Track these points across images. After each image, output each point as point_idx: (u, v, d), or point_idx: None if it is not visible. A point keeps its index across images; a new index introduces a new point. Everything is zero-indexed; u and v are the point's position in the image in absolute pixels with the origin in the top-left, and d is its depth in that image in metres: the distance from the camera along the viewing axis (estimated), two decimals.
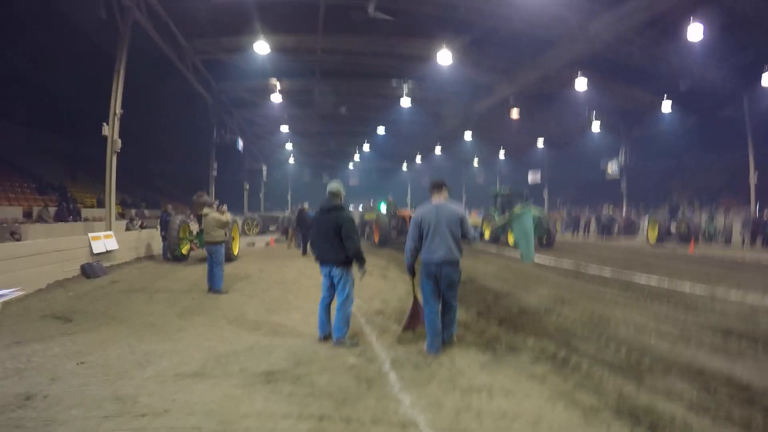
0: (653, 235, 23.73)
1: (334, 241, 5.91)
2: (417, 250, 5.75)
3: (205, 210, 10.51)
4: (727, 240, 22.51)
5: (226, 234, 10.28)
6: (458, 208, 5.85)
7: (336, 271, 6.00)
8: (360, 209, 34.08)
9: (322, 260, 6.09)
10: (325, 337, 6.12)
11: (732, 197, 33.59)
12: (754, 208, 26.10)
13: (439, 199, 5.83)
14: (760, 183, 27.00)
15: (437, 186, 5.89)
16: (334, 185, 6.26)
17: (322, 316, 6.18)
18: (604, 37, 18.94)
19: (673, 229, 23.80)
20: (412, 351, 5.72)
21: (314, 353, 5.64)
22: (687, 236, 22.79)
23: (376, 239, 21.90)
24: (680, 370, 5.17)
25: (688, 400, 4.39)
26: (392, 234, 21.47)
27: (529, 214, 5.14)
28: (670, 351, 5.77)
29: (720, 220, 24.67)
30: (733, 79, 24.46)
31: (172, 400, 4.21)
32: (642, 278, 11.72)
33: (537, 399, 4.38)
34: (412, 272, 6.06)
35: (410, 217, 19.03)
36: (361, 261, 6.05)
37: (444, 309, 5.81)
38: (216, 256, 9.74)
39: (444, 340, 5.74)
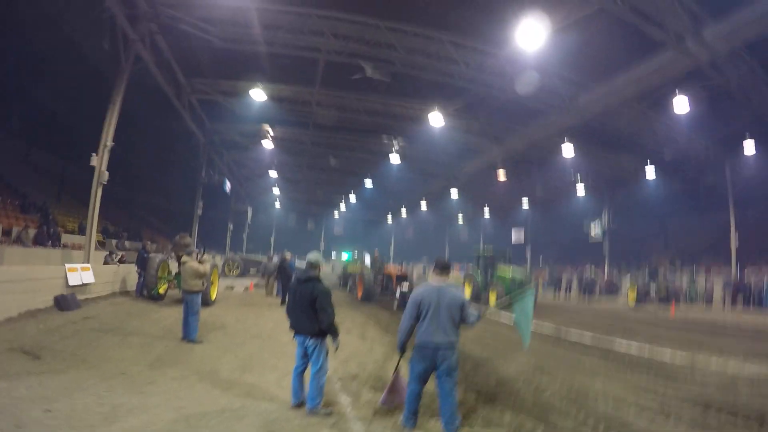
0: (632, 296, 24.07)
1: (309, 313, 5.85)
2: (412, 329, 5.50)
3: (184, 258, 10.28)
4: (708, 301, 22.76)
5: (203, 284, 10.00)
6: (460, 293, 5.59)
7: (310, 342, 5.91)
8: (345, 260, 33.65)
9: (297, 330, 6.02)
10: (299, 404, 5.97)
11: (713, 259, 34.05)
12: (734, 269, 26.55)
13: (442, 280, 5.59)
14: (741, 246, 27.56)
15: (443, 267, 5.66)
16: (313, 256, 6.25)
17: (296, 383, 6.05)
18: (592, 109, 19.60)
19: (652, 292, 24.14)
20: (387, 425, 5.59)
21: (287, 421, 5.47)
22: (666, 298, 23.13)
23: (359, 294, 20.72)
24: None
25: None
26: (376, 290, 20.72)
27: (531, 296, 4.97)
28: (648, 428, 5.75)
29: (701, 282, 25.00)
30: (715, 147, 25.44)
31: None
32: (622, 345, 11.70)
33: None
34: (402, 350, 5.76)
35: (396, 275, 19.64)
36: (335, 334, 5.99)
37: (442, 400, 5.36)
38: (191, 306, 9.49)
39: None
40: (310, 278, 6.00)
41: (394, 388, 5.90)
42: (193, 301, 9.51)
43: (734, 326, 15.83)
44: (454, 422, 5.31)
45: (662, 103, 19.42)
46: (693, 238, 39.75)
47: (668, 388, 7.58)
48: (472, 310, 5.50)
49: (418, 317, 5.40)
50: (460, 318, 5.40)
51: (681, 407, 6.54)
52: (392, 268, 22.38)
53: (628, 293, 25.11)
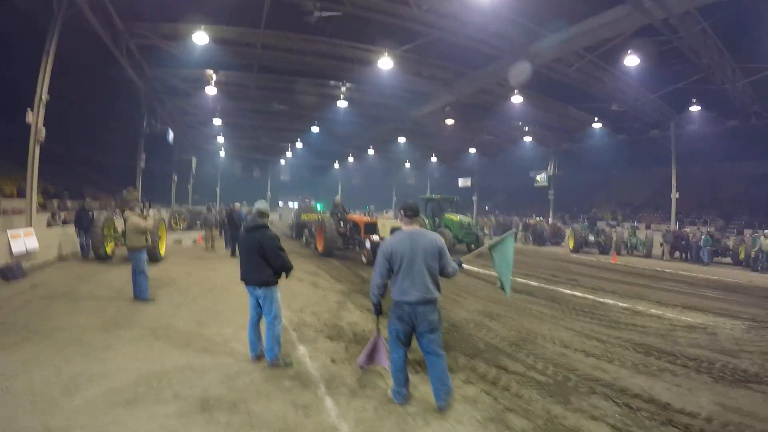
0: (571, 244, 25.18)
1: (257, 261, 5.85)
2: (385, 286, 4.95)
3: (127, 213, 9.85)
4: (648, 253, 23.83)
5: (147, 240, 9.56)
6: (436, 236, 4.96)
7: (259, 292, 5.93)
8: (296, 205, 32.65)
9: (247, 280, 6.01)
10: (257, 356, 6.03)
11: (653, 212, 35.70)
12: (674, 223, 27.92)
13: (412, 226, 4.96)
14: (680, 201, 29.01)
15: (411, 211, 4.98)
16: (261, 204, 6.21)
17: (252, 335, 6.09)
18: (544, 57, 19.64)
19: (591, 239, 25.19)
20: (346, 372, 5.73)
21: (248, 375, 5.52)
22: (605, 247, 24.22)
23: (321, 247, 18.61)
24: (604, 388, 5.49)
25: (612, 420, 4.67)
26: (338, 242, 18.31)
27: (510, 242, 4.75)
28: (593, 372, 6.06)
29: (642, 233, 26.12)
30: (662, 103, 26.30)
31: None
32: (567, 290, 12.32)
33: (469, 424, 4.53)
34: (379, 311, 5.13)
35: (365, 223, 17.50)
36: (288, 270, 6.09)
37: (428, 361, 4.92)
38: (137, 263, 9.17)
39: (440, 404, 4.80)
40: (258, 226, 5.99)
41: (374, 349, 5.51)
42: (137, 258, 9.19)
43: (672, 276, 16.63)
44: (445, 386, 4.83)
45: (613, 56, 19.88)
46: (635, 190, 41.50)
47: (611, 334, 8.01)
48: (451, 260, 4.95)
49: (390, 272, 4.84)
50: (438, 269, 4.84)
51: (623, 353, 6.94)
52: (358, 217, 19.67)
53: (569, 240, 26.13)
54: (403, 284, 4.73)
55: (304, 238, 23.17)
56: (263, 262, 5.85)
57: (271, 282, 5.93)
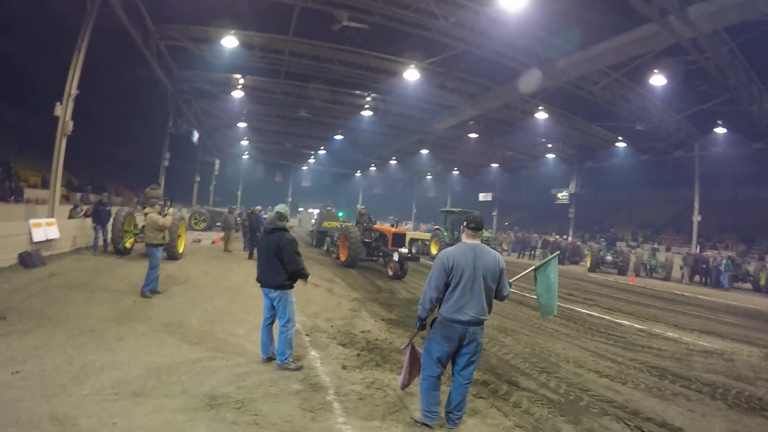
0: (589, 262, 24.93)
1: (274, 263, 5.89)
2: (439, 301, 4.48)
3: (147, 209, 9.91)
4: (667, 275, 23.48)
5: (164, 237, 9.72)
6: (499, 255, 4.64)
7: (275, 294, 5.95)
8: (316, 213, 31.47)
9: (262, 282, 6.04)
10: (269, 357, 6.03)
11: (674, 234, 35.19)
12: (695, 246, 27.48)
13: (475, 240, 4.62)
14: (703, 223, 28.54)
15: (476, 224, 4.64)
16: (281, 207, 6.26)
17: (264, 337, 6.10)
18: (569, 74, 19.57)
19: (609, 259, 24.91)
20: (356, 379, 5.68)
21: (258, 376, 5.50)
22: (622, 267, 23.91)
23: (343, 257, 17.42)
24: (616, 410, 5.36)
25: None
26: (362, 253, 17.09)
27: (554, 264, 4.54)
28: (606, 392, 5.94)
29: (661, 255, 25.75)
30: (687, 124, 25.92)
31: (113, 424, 4.02)
32: (583, 309, 12.14)
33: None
34: (423, 326, 4.73)
35: (393, 234, 16.63)
36: (304, 277, 6.10)
37: (456, 384, 4.60)
38: (151, 259, 9.28)
39: (450, 426, 4.56)
40: (277, 228, 6.02)
41: (412, 367, 5.15)
42: (152, 254, 9.29)
43: (691, 300, 16.42)
44: (460, 412, 4.61)
45: (639, 74, 19.79)
46: (657, 212, 40.99)
47: (626, 356, 7.86)
48: (507, 282, 4.70)
49: (447, 286, 4.41)
50: (495, 290, 4.54)
51: (638, 375, 6.80)
52: (386, 227, 18.54)
53: (587, 259, 25.87)
54: (459, 301, 4.35)
55: (325, 247, 22.30)
56: (280, 265, 5.88)
57: (286, 285, 5.95)
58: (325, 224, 24.32)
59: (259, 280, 6.08)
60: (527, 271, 5.41)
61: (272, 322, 6.12)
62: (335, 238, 19.70)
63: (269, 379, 5.45)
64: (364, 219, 18.21)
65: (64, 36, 16.50)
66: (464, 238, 4.66)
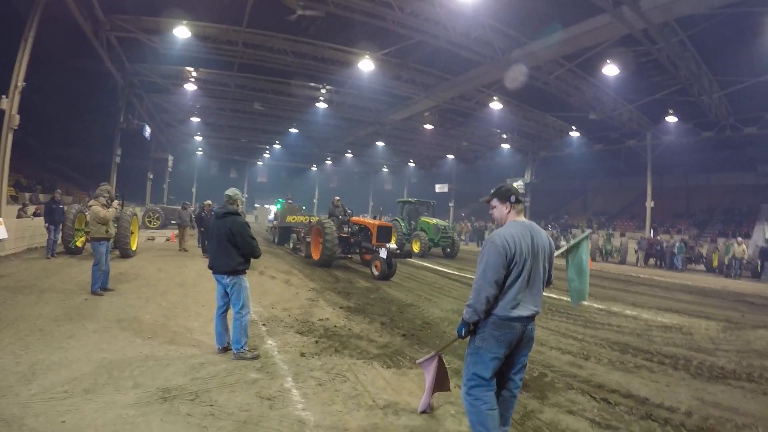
0: None
1: (226, 248, 5.75)
2: (495, 299, 3.44)
3: (91, 202, 9.50)
4: (623, 259, 24.12)
5: (107, 231, 9.17)
6: (548, 235, 3.82)
7: (227, 280, 5.82)
8: (273, 209, 30.12)
9: (215, 269, 5.88)
10: (224, 348, 5.89)
11: (627, 221, 36.26)
12: (649, 231, 28.36)
13: (521, 217, 3.72)
14: (656, 210, 29.51)
15: (516, 197, 3.71)
16: (231, 190, 6.11)
17: (219, 326, 5.95)
18: (524, 63, 19.76)
19: (563, 244, 25.48)
20: (315, 365, 5.59)
21: (213, 366, 5.37)
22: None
23: (316, 255, 15.63)
24: (581, 384, 5.45)
25: (591, 414, 4.61)
26: (339, 249, 15.21)
27: (586, 245, 3.94)
28: (569, 368, 6.03)
29: (617, 240, 26.48)
30: (639, 115, 26.77)
31: (62, 422, 3.84)
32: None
33: (443, 416, 4.42)
34: (467, 334, 3.60)
35: (378, 227, 14.73)
36: (257, 256, 6.02)
37: (505, 396, 3.67)
38: (94, 254, 8.90)
39: None
40: (229, 213, 5.88)
41: (439, 377, 4.41)
42: (95, 249, 8.91)
43: (647, 281, 16.92)
44: (507, 427, 3.76)
45: (592, 65, 20.20)
46: (611, 200, 42.18)
47: (587, 333, 8.03)
48: None
49: (505, 279, 3.44)
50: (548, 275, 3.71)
51: (599, 351, 6.94)
52: (369, 220, 16.34)
53: None
54: (519, 295, 3.44)
55: (291, 244, 20.64)
56: (232, 250, 5.74)
57: (239, 270, 5.81)
58: (289, 219, 22.77)
59: (211, 266, 5.93)
60: (560, 251, 4.71)
61: (226, 311, 5.97)
62: (302, 234, 18.23)
63: (225, 369, 5.31)
64: (338, 211, 16.32)
65: (10, 25, 15.86)
66: (512, 216, 3.67)
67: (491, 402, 3.46)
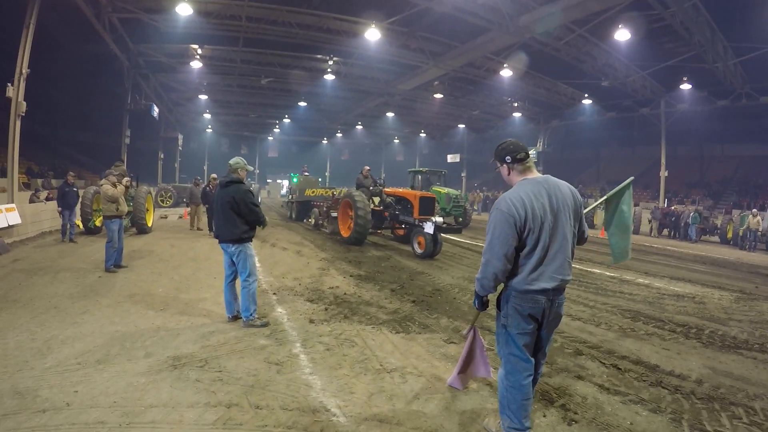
0: None
1: (230, 217, 5.78)
2: (509, 272, 3.07)
3: (102, 181, 9.54)
4: (636, 229, 23.92)
5: (118, 209, 9.19)
6: (570, 186, 3.30)
7: (233, 249, 5.85)
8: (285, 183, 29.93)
9: (220, 237, 5.94)
10: (234, 316, 5.95)
11: (641, 191, 35.90)
12: (662, 201, 28.03)
13: (534, 173, 3.27)
14: (669, 179, 29.06)
15: (525, 153, 3.30)
16: (234, 159, 6.07)
17: (228, 295, 6.00)
18: (533, 30, 19.37)
19: None
20: (323, 331, 5.63)
21: (223, 334, 5.43)
22: (591, 222, 24.24)
23: (345, 232, 14.14)
24: (590, 350, 5.42)
25: (599, 380, 4.59)
26: (369, 225, 13.47)
27: (629, 193, 4.20)
28: (579, 334, 6.01)
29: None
30: (652, 83, 26.22)
31: (74, 392, 3.90)
32: None
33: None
34: (484, 306, 3.37)
35: (420, 199, 13.24)
36: (263, 224, 6.04)
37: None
38: (107, 233, 8.95)
39: None
40: (233, 181, 5.89)
41: (470, 356, 4.10)
42: (107, 227, 8.99)
43: (660, 251, 16.76)
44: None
45: (604, 30, 19.66)
46: (624, 168, 41.63)
47: (598, 300, 7.98)
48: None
49: (520, 248, 3.04)
50: (578, 234, 3.26)
51: (611, 317, 6.90)
52: (409, 191, 14.99)
53: None
54: (541, 264, 3.02)
55: (312, 219, 19.05)
56: (236, 218, 5.76)
57: (244, 238, 5.85)
58: (308, 192, 21.39)
59: (216, 235, 6.02)
60: (598, 202, 4.48)
61: (234, 279, 6.02)
62: (325, 209, 16.92)
63: (234, 336, 5.37)
64: (368, 182, 14.60)
65: (11, 13, 15.82)
66: (517, 176, 3.25)
67: (527, 392, 3.18)
